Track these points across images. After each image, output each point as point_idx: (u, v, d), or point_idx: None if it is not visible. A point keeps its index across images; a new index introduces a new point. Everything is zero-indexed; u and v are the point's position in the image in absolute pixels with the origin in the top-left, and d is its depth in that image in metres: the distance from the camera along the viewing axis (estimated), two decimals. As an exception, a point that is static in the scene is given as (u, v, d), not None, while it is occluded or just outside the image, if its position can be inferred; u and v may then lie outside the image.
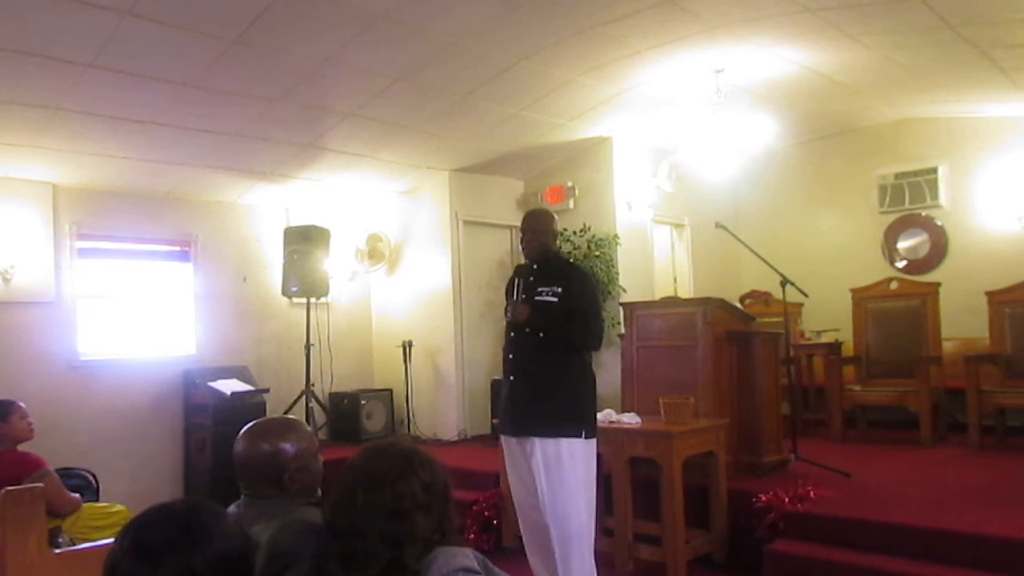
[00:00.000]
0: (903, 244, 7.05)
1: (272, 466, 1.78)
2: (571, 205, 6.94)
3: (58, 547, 3.07)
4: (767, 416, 4.67)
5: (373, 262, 7.34)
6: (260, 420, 1.94)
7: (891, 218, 7.10)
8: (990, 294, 5.60)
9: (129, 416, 5.92)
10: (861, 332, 6.12)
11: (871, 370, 5.99)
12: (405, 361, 6.97)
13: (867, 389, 5.88)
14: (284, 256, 6.49)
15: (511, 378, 3.44)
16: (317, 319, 6.71)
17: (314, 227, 6.55)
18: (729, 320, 4.78)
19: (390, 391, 7.10)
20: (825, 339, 6.44)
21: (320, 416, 6.86)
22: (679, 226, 7.59)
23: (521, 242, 3.55)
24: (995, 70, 5.30)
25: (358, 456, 1.55)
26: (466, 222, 7.02)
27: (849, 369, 6.03)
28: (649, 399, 4.42)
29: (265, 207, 6.92)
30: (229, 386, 5.94)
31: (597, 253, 6.59)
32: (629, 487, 3.96)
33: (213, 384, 5.93)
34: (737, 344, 4.71)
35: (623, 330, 5.17)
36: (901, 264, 6.99)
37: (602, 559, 4.01)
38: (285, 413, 6.13)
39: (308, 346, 6.57)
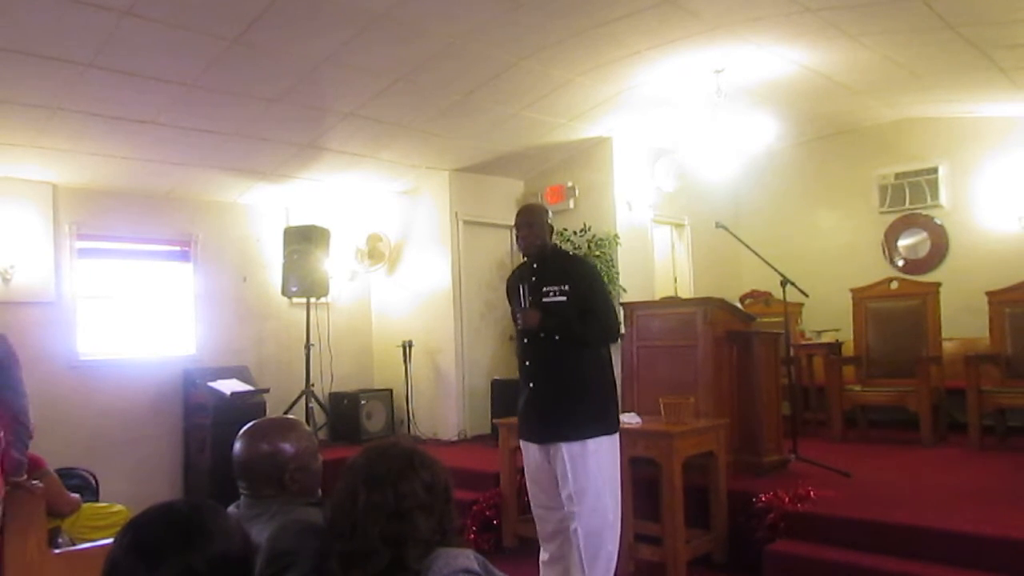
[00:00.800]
0: (903, 244, 7.05)
1: (272, 466, 1.78)
2: (571, 205, 6.94)
3: (58, 547, 3.06)
4: (767, 416, 4.67)
5: (373, 262, 7.34)
6: (260, 420, 1.94)
7: (891, 218, 7.11)
8: (990, 294, 5.60)
9: (129, 416, 5.92)
10: (861, 332, 6.12)
11: (871, 370, 5.99)
12: (405, 361, 6.97)
13: (867, 389, 5.88)
14: (284, 256, 6.49)
15: (531, 385, 3.31)
16: (317, 319, 6.71)
17: (314, 227, 6.55)
18: (729, 320, 4.78)
19: (390, 391, 7.10)
20: (825, 339, 6.44)
21: (320, 416, 6.86)
22: (679, 226, 7.59)
23: (517, 239, 3.41)
24: (995, 70, 5.30)
25: (359, 456, 1.55)
26: (466, 222, 7.02)
27: (849, 369, 6.02)
28: (649, 399, 4.42)
29: (265, 207, 6.92)
30: (229, 386, 5.94)
31: (597, 253, 6.59)
32: (629, 487, 3.96)
33: (213, 384, 5.93)
34: (737, 344, 4.71)
35: (623, 330, 5.17)
36: (901, 264, 7.00)
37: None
38: (285, 413, 6.12)
39: (308, 346, 6.57)
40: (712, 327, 4.57)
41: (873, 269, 6.80)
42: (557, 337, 3.22)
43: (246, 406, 5.73)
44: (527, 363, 3.33)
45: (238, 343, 6.63)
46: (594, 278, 3.38)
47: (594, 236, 6.68)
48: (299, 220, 6.89)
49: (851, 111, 6.74)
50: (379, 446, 1.57)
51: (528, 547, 3.49)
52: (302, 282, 6.39)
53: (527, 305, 3.30)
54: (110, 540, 1.33)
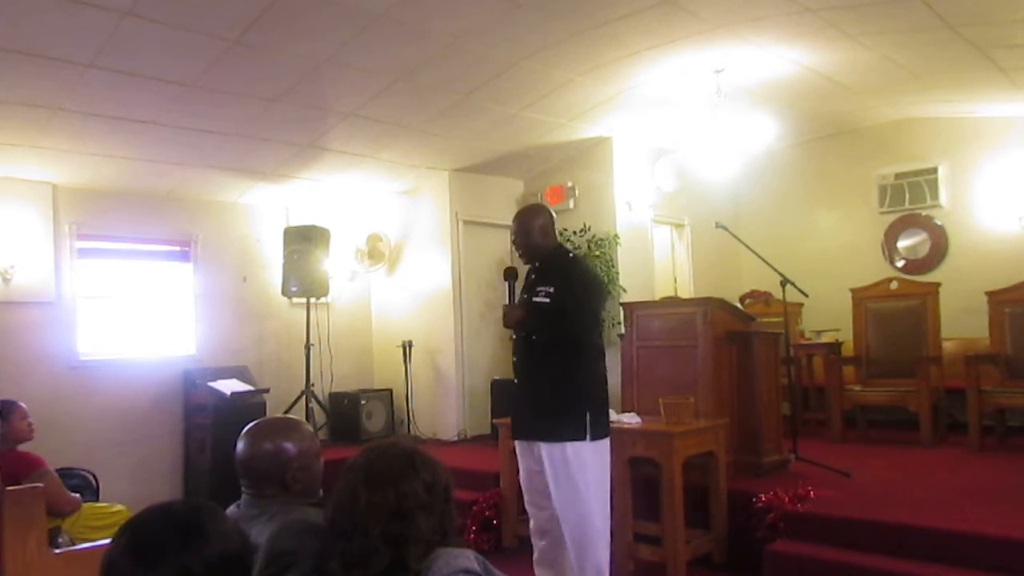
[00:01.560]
0: (903, 244, 7.05)
1: (274, 465, 1.78)
2: (571, 205, 6.94)
3: (58, 547, 3.07)
4: (767, 416, 4.67)
5: (373, 262, 7.34)
6: (262, 419, 1.94)
7: (891, 218, 7.10)
8: (990, 294, 5.60)
9: (129, 416, 5.92)
10: (861, 332, 6.12)
11: (871, 370, 5.99)
12: (405, 361, 6.97)
13: (867, 389, 5.88)
14: (284, 256, 6.49)
15: (515, 381, 3.42)
16: (317, 319, 6.71)
17: (314, 227, 6.55)
18: (729, 320, 4.77)
19: (390, 391, 7.10)
20: (825, 339, 6.43)
21: (320, 416, 6.86)
22: (679, 226, 7.59)
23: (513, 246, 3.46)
24: (995, 70, 5.30)
25: (360, 456, 1.55)
26: (466, 222, 7.02)
27: (849, 369, 6.02)
28: (649, 399, 4.41)
29: (265, 207, 6.92)
30: (229, 386, 5.94)
31: (597, 253, 6.59)
32: (629, 487, 3.96)
33: (213, 384, 5.94)
34: (737, 344, 4.71)
35: (623, 330, 5.17)
36: (901, 264, 6.99)
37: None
38: (285, 413, 6.11)
39: (308, 346, 6.57)
40: (712, 327, 4.56)
41: (873, 269, 6.80)
42: (534, 337, 3.28)
43: (246, 406, 5.73)
44: (514, 359, 3.43)
45: (238, 343, 6.63)
46: (576, 280, 3.26)
47: (594, 236, 6.67)
48: (299, 220, 6.89)
49: (851, 111, 6.74)
50: (379, 446, 1.57)
51: (528, 547, 3.49)
52: (302, 282, 6.39)
53: (515, 303, 3.37)
54: (110, 540, 1.33)
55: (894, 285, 6.14)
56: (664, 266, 7.51)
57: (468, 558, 1.45)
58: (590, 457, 3.18)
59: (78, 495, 3.93)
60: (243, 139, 5.55)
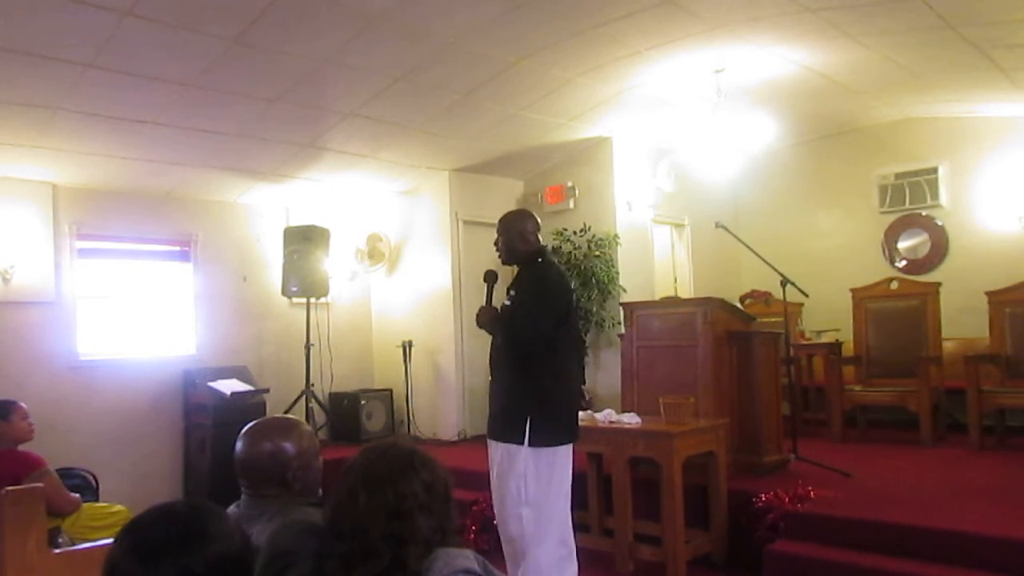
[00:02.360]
0: (903, 244, 7.05)
1: (274, 465, 1.78)
2: (571, 205, 6.94)
3: (58, 547, 3.06)
4: (767, 416, 4.67)
5: (373, 262, 7.34)
6: (262, 419, 1.94)
7: (891, 218, 7.10)
8: (990, 294, 5.60)
9: (129, 416, 5.92)
10: (861, 332, 6.12)
11: (871, 370, 5.99)
12: (405, 361, 6.97)
13: (867, 389, 5.88)
14: (284, 256, 6.49)
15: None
16: (317, 319, 6.71)
17: (314, 227, 6.55)
18: (729, 320, 4.78)
19: (390, 391, 7.09)
20: (825, 339, 6.44)
21: (320, 416, 6.86)
22: (679, 226, 7.59)
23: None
24: (995, 70, 5.30)
25: (359, 456, 1.55)
26: (466, 222, 7.02)
27: (849, 369, 6.02)
28: (649, 399, 4.42)
29: (265, 207, 6.92)
30: (229, 386, 5.94)
31: (597, 253, 6.59)
32: (629, 487, 3.96)
33: (213, 384, 5.93)
34: (737, 344, 4.71)
35: (623, 330, 5.17)
36: (901, 264, 6.99)
37: (602, 559, 4.03)
38: (285, 413, 6.10)
39: (308, 346, 6.57)
40: (712, 327, 4.56)
41: (873, 269, 6.80)
42: (497, 339, 3.41)
43: (246, 406, 5.73)
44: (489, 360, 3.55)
45: (238, 343, 6.63)
46: (539, 282, 3.27)
47: (594, 236, 6.67)
48: (299, 220, 6.89)
49: (851, 111, 6.74)
50: (379, 446, 1.57)
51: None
52: (302, 282, 6.39)
53: (490, 304, 3.43)
54: (110, 540, 1.33)
55: (894, 285, 6.14)
56: (664, 266, 7.51)
57: (468, 558, 1.44)
58: (527, 463, 3.13)
59: (78, 495, 3.94)
60: (243, 139, 5.55)
